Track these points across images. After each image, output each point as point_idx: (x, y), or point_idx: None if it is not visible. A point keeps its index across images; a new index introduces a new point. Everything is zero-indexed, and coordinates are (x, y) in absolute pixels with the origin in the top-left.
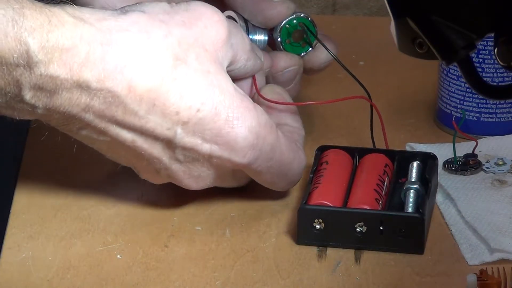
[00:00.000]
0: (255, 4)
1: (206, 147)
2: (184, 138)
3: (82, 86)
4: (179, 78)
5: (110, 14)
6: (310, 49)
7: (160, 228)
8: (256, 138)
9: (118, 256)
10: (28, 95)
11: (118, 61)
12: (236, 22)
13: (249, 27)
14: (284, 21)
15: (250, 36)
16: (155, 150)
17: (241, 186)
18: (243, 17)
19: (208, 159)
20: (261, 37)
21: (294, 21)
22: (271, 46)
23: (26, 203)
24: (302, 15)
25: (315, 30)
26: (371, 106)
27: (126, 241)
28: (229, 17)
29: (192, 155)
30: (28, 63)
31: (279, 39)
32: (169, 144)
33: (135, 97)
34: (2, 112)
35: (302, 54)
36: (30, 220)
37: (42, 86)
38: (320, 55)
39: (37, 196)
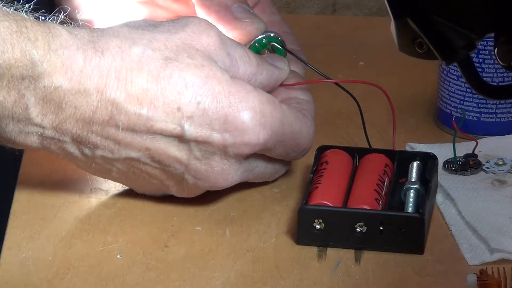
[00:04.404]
0: (225, 23)
1: (218, 137)
2: (194, 132)
3: (84, 96)
4: (174, 75)
5: (95, 28)
6: None
7: (160, 228)
8: (263, 116)
9: (118, 256)
10: (34, 112)
11: (111, 67)
12: None
13: None
14: (253, 40)
15: None
16: (171, 150)
17: (270, 180)
18: None
19: (223, 149)
20: None
21: (263, 40)
22: None
23: (26, 203)
24: (272, 34)
25: (284, 49)
26: (360, 109)
27: (126, 241)
28: None
29: (208, 149)
30: (33, 74)
31: None
32: (182, 140)
33: (133, 100)
34: (12, 141)
35: None
36: (30, 220)
37: (47, 99)
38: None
39: (37, 196)
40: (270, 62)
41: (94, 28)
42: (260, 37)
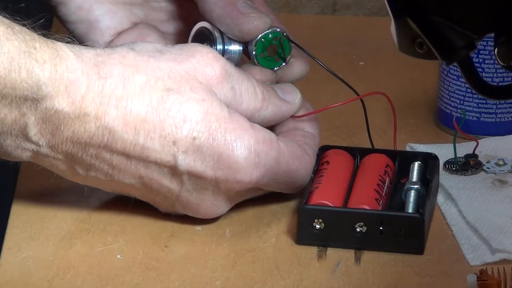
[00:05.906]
0: (232, 18)
1: (210, 174)
2: (187, 166)
3: (82, 122)
4: (173, 108)
5: (102, 50)
6: (284, 64)
7: (160, 228)
8: (258, 156)
9: (118, 256)
10: (32, 131)
11: (113, 94)
12: (211, 33)
13: (225, 38)
14: (260, 35)
15: (226, 47)
16: (164, 181)
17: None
18: (219, 29)
19: (215, 185)
20: (236, 47)
21: (269, 36)
22: (245, 59)
23: (26, 203)
24: (278, 30)
25: (290, 45)
26: (364, 109)
27: (126, 241)
28: (203, 28)
29: (200, 183)
30: (37, 96)
31: (253, 53)
32: (175, 172)
33: (131, 130)
34: (8, 154)
35: (276, 68)
36: (30, 220)
37: (47, 120)
38: (293, 70)
39: (37, 196)
40: (280, 95)
41: (101, 50)
42: (266, 32)
